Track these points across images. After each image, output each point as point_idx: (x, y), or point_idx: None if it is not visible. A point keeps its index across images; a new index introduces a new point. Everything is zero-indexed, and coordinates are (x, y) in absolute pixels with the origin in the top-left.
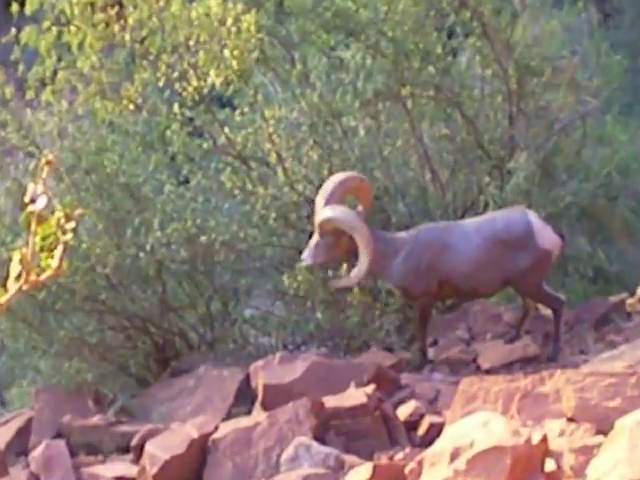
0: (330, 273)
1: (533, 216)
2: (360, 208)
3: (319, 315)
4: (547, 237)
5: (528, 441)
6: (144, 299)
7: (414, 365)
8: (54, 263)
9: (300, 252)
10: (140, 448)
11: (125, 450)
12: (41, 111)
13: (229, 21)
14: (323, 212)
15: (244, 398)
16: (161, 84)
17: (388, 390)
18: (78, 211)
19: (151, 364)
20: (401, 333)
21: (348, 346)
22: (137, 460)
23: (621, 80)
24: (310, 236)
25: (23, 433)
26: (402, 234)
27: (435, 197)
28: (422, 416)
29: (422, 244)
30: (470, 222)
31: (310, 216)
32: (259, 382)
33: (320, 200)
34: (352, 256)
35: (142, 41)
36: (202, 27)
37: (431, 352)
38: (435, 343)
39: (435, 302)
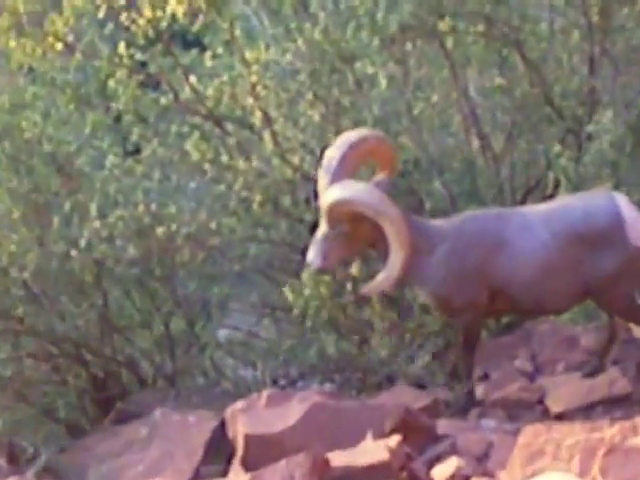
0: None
1: (623, 200)
2: (380, 178)
3: (324, 339)
4: None
5: None
6: (77, 315)
7: (456, 408)
8: None
9: (301, 251)
10: None
11: None
12: None
13: None
14: (332, 192)
15: (218, 453)
16: (101, 15)
17: (419, 443)
18: None
19: (87, 406)
20: (441, 364)
21: (363, 381)
22: None
23: None
24: (313, 228)
25: None
26: (440, 223)
27: (486, 173)
28: (467, 478)
29: (467, 238)
30: (535, 209)
31: (310, 199)
32: (239, 431)
33: (325, 174)
34: (378, 249)
35: None
36: None
37: (480, 390)
38: (485, 377)
39: (486, 319)
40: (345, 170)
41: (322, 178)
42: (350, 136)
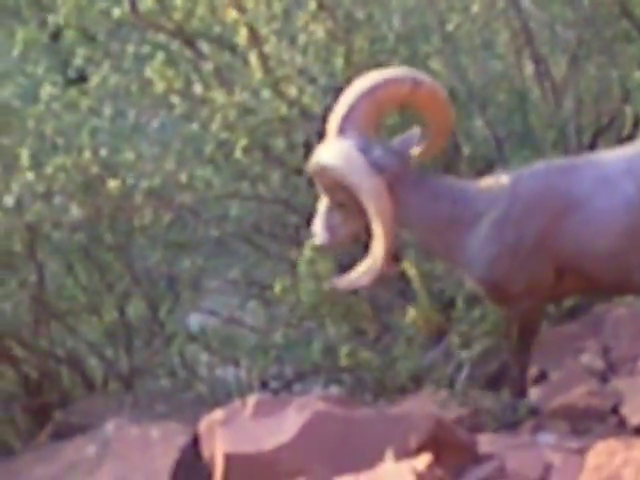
0: None
1: None
2: (409, 134)
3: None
4: None
5: None
6: (3, 296)
7: (504, 418)
8: None
9: (299, 211)
10: None
11: None
12: None
13: None
14: (317, 153)
15: (188, 478)
16: None
17: (456, 464)
18: None
19: (17, 416)
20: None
21: (381, 383)
22: None
23: None
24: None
25: None
26: (485, 184)
27: (542, 108)
28: None
29: (524, 201)
30: (612, 156)
31: (311, 143)
32: (217, 450)
33: (330, 128)
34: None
35: None
36: None
37: (536, 394)
38: (543, 378)
39: (547, 305)
40: (355, 124)
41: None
42: (368, 79)
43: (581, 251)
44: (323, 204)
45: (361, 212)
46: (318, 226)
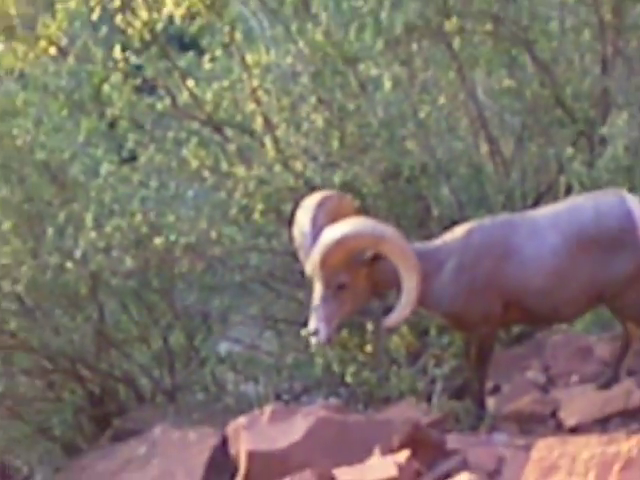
0: None
1: (635, 202)
2: None
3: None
4: None
5: None
6: (72, 329)
7: (466, 422)
8: None
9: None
10: None
11: None
12: None
13: None
14: (324, 238)
15: (219, 471)
16: (95, 17)
17: (429, 458)
18: None
19: (84, 423)
20: (451, 379)
21: (370, 395)
22: None
23: None
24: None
25: None
26: (445, 240)
27: (495, 178)
28: None
29: (476, 250)
30: (544, 213)
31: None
32: (241, 448)
33: (302, 239)
34: (382, 291)
35: None
36: None
37: (491, 403)
38: (497, 390)
39: (498, 331)
40: (319, 229)
41: (301, 244)
42: (315, 197)
43: (520, 289)
44: (318, 298)
45: (360, 288)
46: (314, 322)
